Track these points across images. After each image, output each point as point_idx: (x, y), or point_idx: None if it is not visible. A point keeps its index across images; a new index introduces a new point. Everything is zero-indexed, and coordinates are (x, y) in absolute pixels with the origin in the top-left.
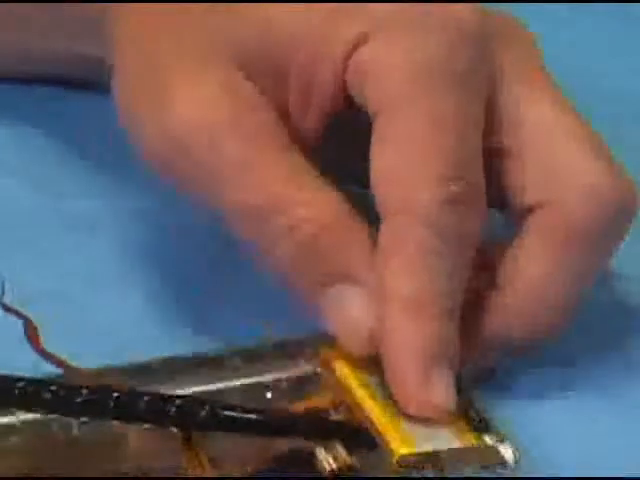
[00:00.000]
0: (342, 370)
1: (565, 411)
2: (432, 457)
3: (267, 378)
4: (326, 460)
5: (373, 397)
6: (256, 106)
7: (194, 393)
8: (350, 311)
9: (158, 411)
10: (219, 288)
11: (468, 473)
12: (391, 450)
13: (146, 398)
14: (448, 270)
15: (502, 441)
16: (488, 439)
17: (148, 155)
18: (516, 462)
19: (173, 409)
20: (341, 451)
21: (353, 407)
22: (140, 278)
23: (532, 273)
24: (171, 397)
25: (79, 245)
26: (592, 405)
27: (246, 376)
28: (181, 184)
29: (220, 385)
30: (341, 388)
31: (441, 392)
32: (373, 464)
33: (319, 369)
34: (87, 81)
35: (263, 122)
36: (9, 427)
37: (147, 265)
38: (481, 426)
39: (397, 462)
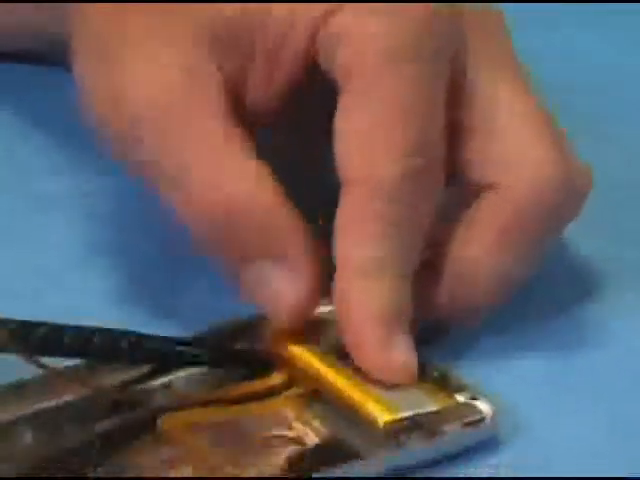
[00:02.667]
0: (292, 346)
1: (522, 367)
2: (414, 421)
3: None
4: (307, 435)
5: (335, 368)
6: (210, 90)
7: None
8: (272, 287)
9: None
10: (186, 270)
11: (450, 432)
12: (374, 419)
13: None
14: (403, 240)
15: (475, 398)
16: (461, 397)
17: (99, 127)
18: (494, 416)
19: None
20: (320, 425)
21: (316, 381)
22: (106, 259)
23: (474, 251)
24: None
25: (45, 225)
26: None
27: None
28: (124, 153)
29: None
30: (298, 364)
31: (401, 354)
32: (357, 434)
33: (267, 349)
34: (55, 57)
35: (203, 91)
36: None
37: (113, 245)
38: (449, 384)
39: (383, 429)
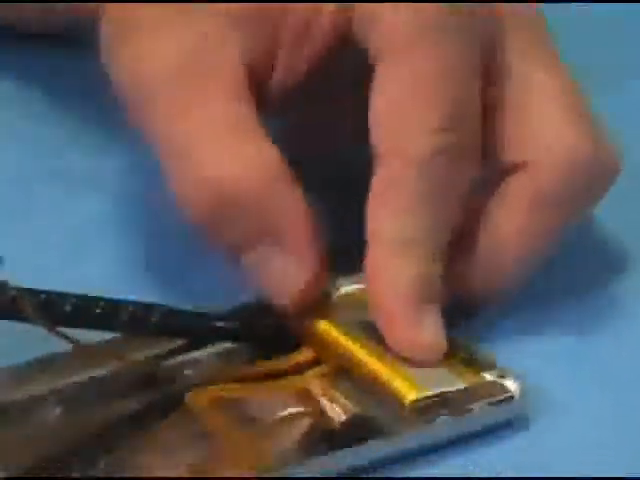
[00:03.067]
0: (319, 323)
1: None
2: (441, 399)
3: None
4: (333, 412)
5: (362, 346)
6: (220, 52)
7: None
8: (275, 273)
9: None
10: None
11: (477, 410)
12: (400, 396)
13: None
14: (436, 216)
15: (503, 376)
16: (488, 375)
17: (120, 98)
18: (521, 395)
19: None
20: (346, 402)
21: (343, 358)
22: (133, 235)
23: (502, 229)
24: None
25: (76, 203)
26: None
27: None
28: (140, 123)
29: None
30: (325, 342)
31: (431, 332)
32: (384, 412)
33: (294, 325)
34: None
35: (221, 67)
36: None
37: (142, 223)
38: (477, 363)
39: (409, 408)
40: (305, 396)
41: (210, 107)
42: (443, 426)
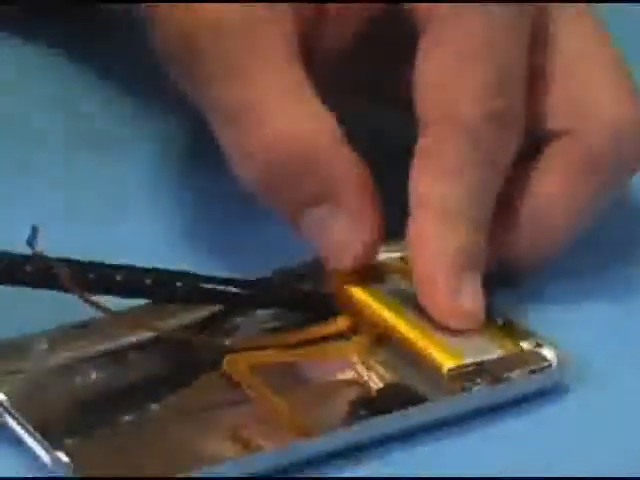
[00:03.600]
0: (357, 291)
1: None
2: (479, 367)
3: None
4: (371, 380)
5: (399, 314)
6: (274, 18)
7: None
8: (334, 235)
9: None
10: (244, 213)
11: (515, 379)
12: (438, 364)
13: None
14: (483, 182)
15: (541, 345)
16: (526, 344)
17: (169, 65)
18: (559, 364)
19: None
20: (384, 371)
21: (381, 327)
22: (165, 202)
23: (544, 199)
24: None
25: (105, 166)
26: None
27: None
28: (183, 79)
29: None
30: (363, 310)
31: (471, 299)
32: (421, 380)
33: (331, 292)
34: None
35: (275, 34)
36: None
37: (171, 189)
38: (514, 331)
39: (446, 376)
40: (343, 364)
41: (269, 71)
42: (480, 394)
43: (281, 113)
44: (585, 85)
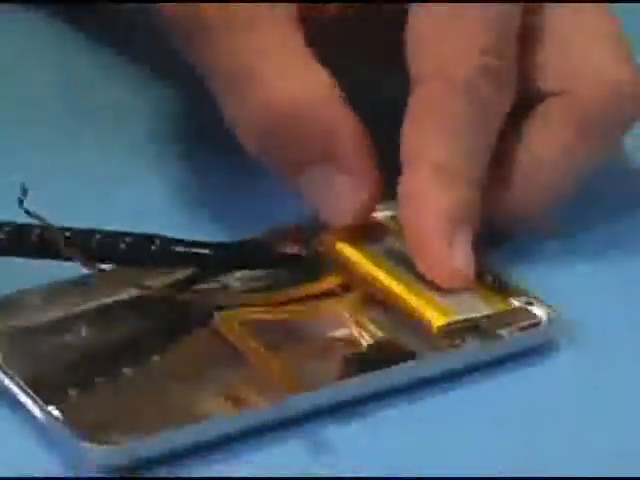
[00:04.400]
0: (348, 250)
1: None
2: (469, 324)
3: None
4: (362, 337)
5: (391, 273)
6: None
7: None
8: (333, 193)
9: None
10: (244, 178)
11: (505, 336)
12: (428, 321)
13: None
14: (479, 139)
15: (531, 303)
16: (516, 302)
17: (167, 18)
18: (549, 321)
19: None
20: (375, 328)
21: (371, 284)
22: (166, 167)
23: (540, 156)
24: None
25: (105, 134)
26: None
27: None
28: (186, 45)
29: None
30: (353, 267)
31: (463, 257)
32: (412, 337)
33: (321, 251)
34: None
35: (277, 3)
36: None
37: (173, 154)
38: (505, 289)
39: (437, 333)
40: (334, 321)
41: (271, 33)
42: (470, 351)
43: (281, 76)
44: (584, 49)
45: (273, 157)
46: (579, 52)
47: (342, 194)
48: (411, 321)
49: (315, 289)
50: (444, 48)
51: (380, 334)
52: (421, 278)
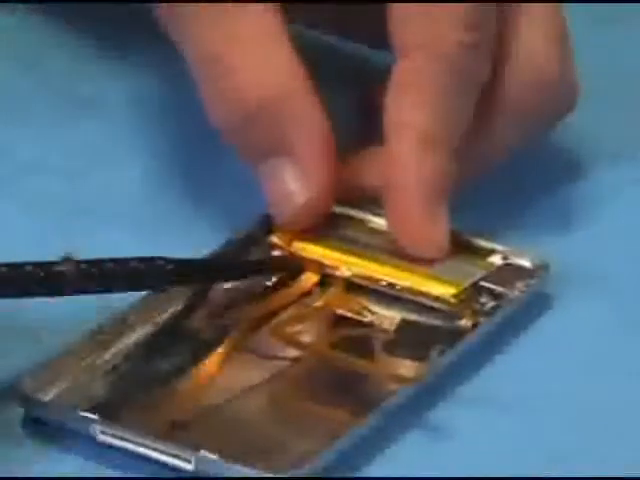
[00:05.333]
0: (306, 246)
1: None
2: (477, 287)
3: None
4: (380, 322)
5: (371, 260)
6: None
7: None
8: (284, 183)
9: None
10: (217, 169)
11: (512, 290)
12: (441, 295)
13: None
14: (460, 110)
15: (508, 257)
16: (495, 259)
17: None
18: (543, 268)
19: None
20: (386, 312)
21: (356, 275)
22: (139, 158)
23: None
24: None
25: (80, 123)
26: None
27: None
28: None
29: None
30: (320, 262)
31: (442, 228)
32: (431, 313)
33: (278, 254)
34: None
35: None
36: None
37: (146, 145)
38: (478, 250)
39: (456, 302)
40: (330, 317)
41: (246, 15)
42: (492, 310)
43: (249, 66)
44: (519, 37)
45: (239, 144)
46: (516, 42)
47: (288, 188)
48: (420, 300)
49: (296, 291)
50: (427, 21)
51: (397, 318)
52: (396, 254)
